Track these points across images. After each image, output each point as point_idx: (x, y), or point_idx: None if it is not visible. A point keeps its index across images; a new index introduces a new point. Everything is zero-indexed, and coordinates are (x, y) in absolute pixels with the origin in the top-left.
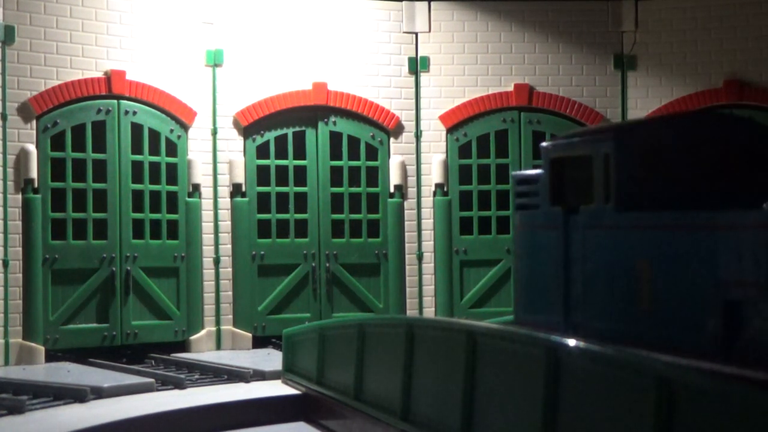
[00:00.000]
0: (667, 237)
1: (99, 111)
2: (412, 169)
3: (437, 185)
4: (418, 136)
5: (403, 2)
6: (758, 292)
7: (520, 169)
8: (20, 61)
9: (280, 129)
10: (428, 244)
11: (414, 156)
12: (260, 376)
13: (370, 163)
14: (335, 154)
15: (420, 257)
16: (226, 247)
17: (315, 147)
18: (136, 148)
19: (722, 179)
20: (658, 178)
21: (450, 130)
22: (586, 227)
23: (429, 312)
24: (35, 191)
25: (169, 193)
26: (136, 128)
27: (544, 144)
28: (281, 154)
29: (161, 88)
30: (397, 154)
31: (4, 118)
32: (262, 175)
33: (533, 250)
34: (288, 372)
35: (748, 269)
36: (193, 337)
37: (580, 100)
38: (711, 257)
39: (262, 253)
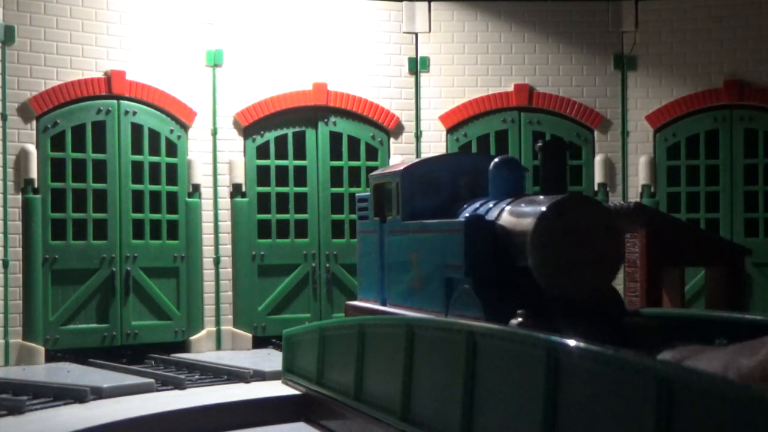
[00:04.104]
0: (423, 236)
1: (99, 111)
2: None
3: None
4: (418, 136)
5: (403, 2)
6: (459, 271)
7: None
8: (20, 61)
9: (280, 129)
10: None
11: (414, 156)
12: (260, 376)
13: (370, 164)
14: (335, 154)
15: None
16: (226, 248)
17: (315, 147)
18: (136, 148)
19: (465, 198)
20: (427, 199)
21: (450, 131)
22: (389, 232)
23: None
24: (35, 191)
25: (169, 193)
26: (136, 128)
27: (371, 174)
28: (281, 154)
29: (161, 88)
30: (397, 155)
31: (4, 118)
32: (262, 175)
33: (365, 248)
34: (288, 372)
35: (454, 256)
36: (193, 338)
37: (580, 100)
38: (440, 249)
39: (262, 253)
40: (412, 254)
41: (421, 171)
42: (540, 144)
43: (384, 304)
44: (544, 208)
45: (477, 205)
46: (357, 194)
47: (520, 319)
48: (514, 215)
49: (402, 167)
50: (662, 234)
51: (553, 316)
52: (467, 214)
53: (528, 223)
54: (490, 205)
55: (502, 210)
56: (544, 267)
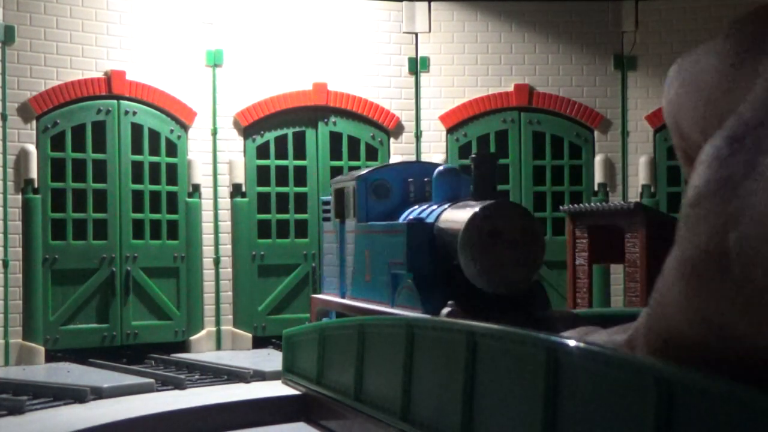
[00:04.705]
0: (373, 237)
1: (99, 111)
2: None
3: None
4: (418, 136)
5: (403, 2)
6: (402, 267)
7: (520, 170)
8: (20, 61)
9: (280, 129)
10: None
11: (414, 156)
12: (260, 376)
13: (370, 164)
14: (335, 154)
15: None
16: (226, 248)
17: (315, 147)
18: (136, 148)
19: (413, 202)
20: (380, 203)
21: (450, 131)
22: (347, 232)
23: None
24: (35, 191)
25: (169, 193)
26: (136, 128)
27: (332, 180)
28: (281, 154)
29: (161, 88)
30: (397, 155)
31: (4, 118)
32: (262, 175)
33: (328, 246)
34: (288, 372)
35: (398, 254)
36: (193, 338)
37: (580, 100)
38: (387, 248)
39: (262, 253)
40: (365, 252)
41: (374, 178)
42: (472, 156)
43: (343, 297)
44: (472, 213)
45: (421, 208)
46: (322, 198)
47: (449, 309)
48: (448, 219)
49: (357, 174)
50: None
51: (479, 307)
52: (411, 217)
53: (459, 226)
54: (433, 208)
55: (440, 214)
56: (471, 264)
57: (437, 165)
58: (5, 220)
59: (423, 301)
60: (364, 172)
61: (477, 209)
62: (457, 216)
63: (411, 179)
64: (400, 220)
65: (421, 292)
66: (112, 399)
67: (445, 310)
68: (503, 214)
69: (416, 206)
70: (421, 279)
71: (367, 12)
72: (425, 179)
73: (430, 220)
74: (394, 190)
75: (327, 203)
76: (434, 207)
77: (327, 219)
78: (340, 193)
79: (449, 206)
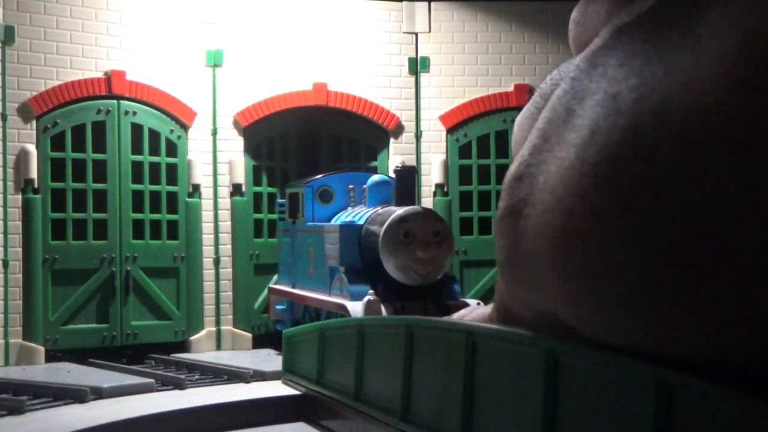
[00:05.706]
0: (316, 235)
1: (99, 111)
2: None
3: (437, 185)
4: (418, 136)
5: (403, 2)
6: (336, 261)
7: None
8: (20, 61)
9: (280, 129)
10: None
11: (414, 156)
12: (260, 376)
13: (370, 164)
14: (335, 154)
15: None
16: (226, 247)
17: (315, 147)
18: (136, 149)
19: (352, 206)
20: (324, 206)
21: (450, 131)
22: (297, 231)
23: None
24: (35, 191)
25: (169, 193)
26: (136, 128)
27: (287, 185)
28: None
29: (161, 88)
30: (397, 155)
31: (4, 118)
32: (262, 175)
33: (282, 243)
34: (288, 372)
35: (333, 251)
36: (193, 338)
37: None
38: (326, 245)
39: (257, 252)
40: (310, 248)
41: (320, 184)
42: (395, 168)
43: (294, 287)
44: (390, 218)
45: (356, 212)
46: (277, 200)
47: (368, 297)
48: (374, 222)
49: (306, 181)
50: None
51: (397, 296)
52: (346, 220)
53: (380, 228)
54: (363, 212)
55: (369, 217)
56: (390, 261)
57: (374, 173)
58: (5, 220)
59: (350, 290)
60: (311, 179)
61: (394, 215)
62: (380, 220)
63: (352, 186)
64: (336, 222)
65: (349, 283)
66: (112, 399)
67: (366, 298)
68: (417, 220)
69: (355, 209)
70: (351, 272)
71: (367, 12)
72: (363, 186)
73: (360, 222)
74: (337, 195)
75: (282, 205)
76: (365, 211)
77: (282, 219)
78: (292, 197)
79: (376, 211)
